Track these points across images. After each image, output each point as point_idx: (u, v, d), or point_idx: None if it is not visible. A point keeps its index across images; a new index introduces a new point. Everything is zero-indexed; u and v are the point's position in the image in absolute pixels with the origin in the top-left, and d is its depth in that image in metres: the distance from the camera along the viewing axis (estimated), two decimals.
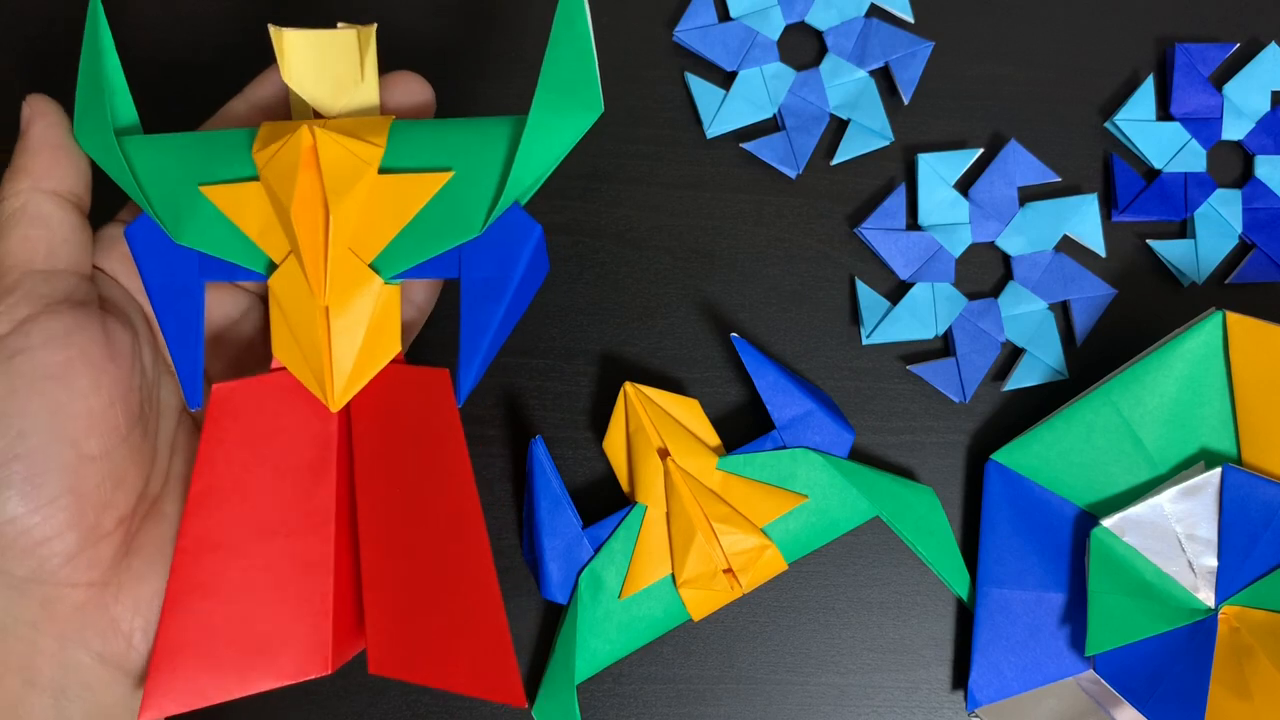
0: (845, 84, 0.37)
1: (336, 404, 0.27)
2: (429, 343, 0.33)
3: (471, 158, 0.26)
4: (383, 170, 0.26)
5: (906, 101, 0.37)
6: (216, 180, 0.26)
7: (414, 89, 0.28)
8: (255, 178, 0.26)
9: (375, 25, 0.27)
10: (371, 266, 0.26)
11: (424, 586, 0.26)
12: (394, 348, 0.27)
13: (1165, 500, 0.31)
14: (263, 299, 0.30)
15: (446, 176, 0.26)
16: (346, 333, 0.26)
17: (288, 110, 0.28)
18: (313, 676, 0.26)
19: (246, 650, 0.26)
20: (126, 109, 0.27)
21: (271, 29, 0.26)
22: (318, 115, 0.28)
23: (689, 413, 0.33)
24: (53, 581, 0.24)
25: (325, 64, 0.26)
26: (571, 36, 0.24)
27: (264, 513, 0.27)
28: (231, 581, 0.26)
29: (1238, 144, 0.37)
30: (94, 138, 0.26)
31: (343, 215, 0.25)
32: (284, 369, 0.27)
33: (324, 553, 0.27)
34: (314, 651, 0.26)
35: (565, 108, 0.25)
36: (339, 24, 0.26)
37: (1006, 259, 0.36)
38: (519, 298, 0.27)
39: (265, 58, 0.29)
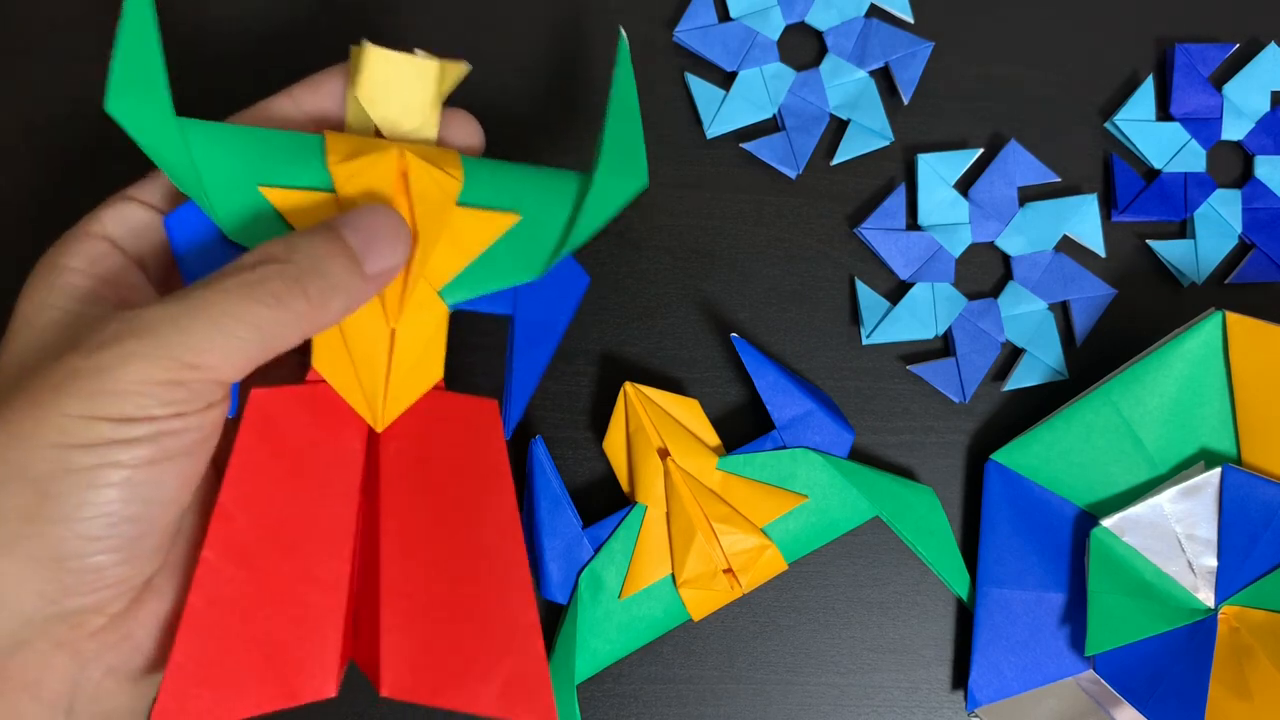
0: (845, 84, 0.37)
1: (384, 424, 0.27)
2: None
3: (538, 206, 0.27)
4: (458, 204, 0.27)
5: (906, 101, 0.37)
6: (281, 184, 0.26)
7: (469, 129, 0.29)
8: (325, 188, 0.26)
9: (466, 67, 0.27)
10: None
11: (454, 610, 0.26)
12: (437, 373, 0.28)
13: (1165, 500, 0.31)
14: None
15: (515, 219, 0.27)
16: (406, 356, 0.27)
17: (341, 122, 0.28)
18: (319, 699, 0.26)
19: (256, 669, 0.25)
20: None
21: (364, 45, 0.26)
22: (378, 134, 0.28)
23: (689, 413, 0.33)
24: (94, 610, 0.24)
25: (400, 88, 0.27)
26: (627, 118, 0.27)
27: (288, 527, 0.26)
28: (250, 597, 0.25)
29: (1237, 144, 0.37)
30: (143, 111, 0.24)
31: (428, 244, 0.26)
32: (321, 382, 0.27)
33: (340, 573, 0.26)
34: (322, 673, 0.26)
35: (620, 177, 0.27)
36: (416, 50, 0.27)
37: (1006, 259, 0.36)
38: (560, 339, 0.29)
39: (287, 59, 0.28)
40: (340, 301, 0.24)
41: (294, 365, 0.28)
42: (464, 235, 0.27)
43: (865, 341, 0.35)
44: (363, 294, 0.25)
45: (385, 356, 0.26)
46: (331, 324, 0.25)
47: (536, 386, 0.29)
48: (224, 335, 0.22)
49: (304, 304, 0.23)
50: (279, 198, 0.26)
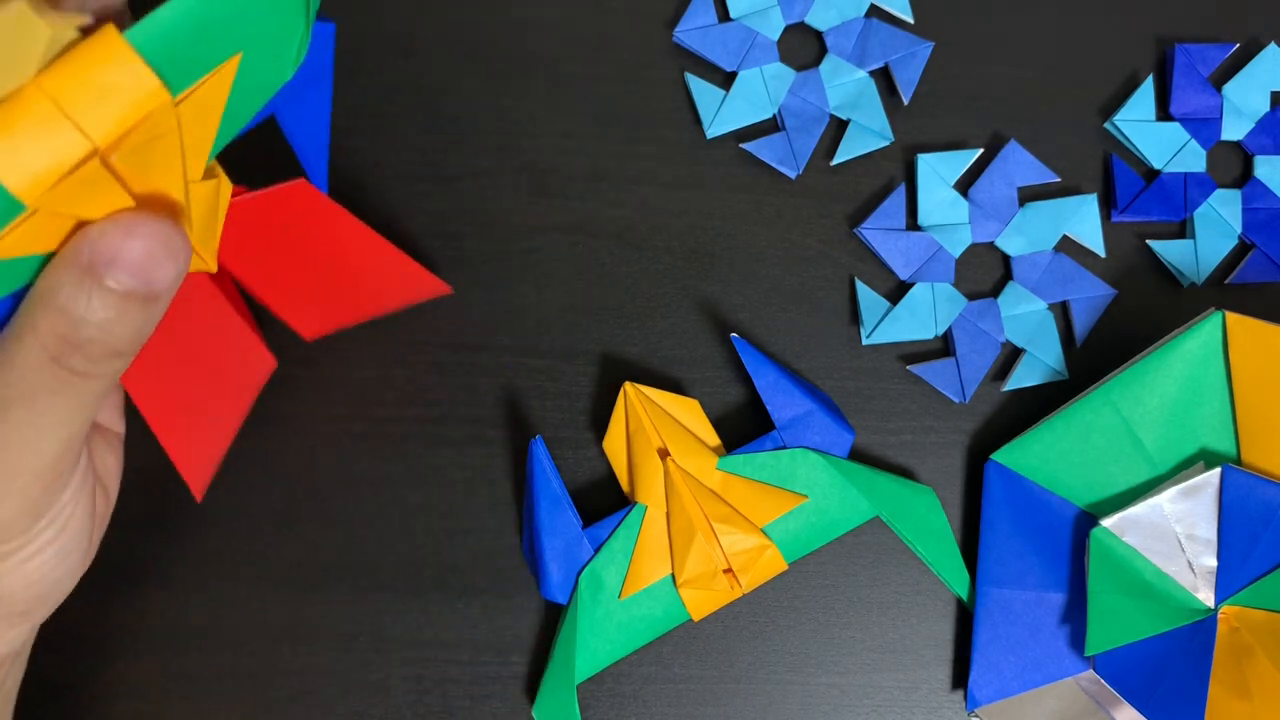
0: (845, 84, 0.37)
1: (214, 263, 0.25)
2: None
3: (255, 19, 0.22)
4: (175, 102, 0.20)
5: (906, 102, 0.37)
6: None
7: None
8: (15, 208, 0.19)
9: None
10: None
11: (326, 274, 0.30)
12: (226, 190, 0.25)
13: (1165, 500, 0.31)
14: None
15: (237, 60, 0.22)
16: (205, 234, 0.24)
17: None
18: (269, 375, 0.32)
19: (226, 400, 0.31)
20: None
21: None
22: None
23: (689, 413, 0.33)
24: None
25: None
26: None
27: (187, 349, 0.28)
28: (195, 393, 0.29)
29: (1237, 144, 0.37)
30: None
31: (173, 171, 0.21)
32: None
33: (231, 319, 0.29)
34: (262, 363, 0.32)
35: None
36: None
37: (1006, 259, 0.36)
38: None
39: None
40: (136, 342, 0.21)
41: None
42: (199, 116, 0.22)
43: (865, 341, 0.35)
44: (157, 315, 0.21)
45: (188, 234, 0.23)
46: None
47: (329, 140, 0.29)
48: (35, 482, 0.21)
49: (101, 384, 0.20)
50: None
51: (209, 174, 0.24)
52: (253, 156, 0.28)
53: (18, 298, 0.21)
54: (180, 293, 0.25)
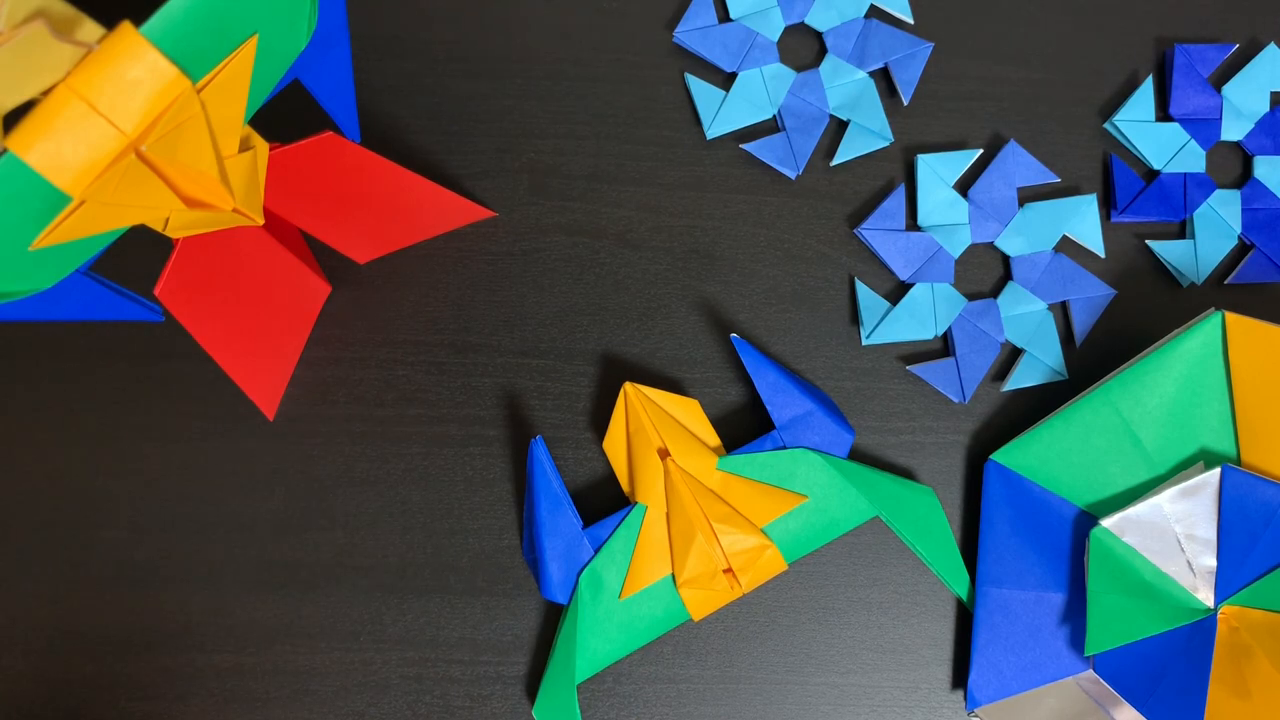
0: (845, 85, 0.37)
1: (261, 217, 0.26)
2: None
3: (262, 4, 0.23)
4: (197, 85, 0.22)
5: (906, 102, 0.37)
6: (36, 232, 0.22)
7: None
8: (66, 200, 0.22)
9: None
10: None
11: (367, 209, 0.32)
12: (263, 147, 0.26)
13: (1164, 500, 0.31)
14: None
15: (255, 41, 0.23)
16: (249, 196, 0.25)
17: None
18: (324, 299, 0.34)
19: (286, 328, 0.33)
20: None
21: None
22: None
23: (689, 413, 0.33)
24: None
25: (11, 68, 0.20)
26: None
27: (245, 289, 0.30)
28: (257, 327, 0.31)
29: (1237, 144, 0.37)
30: None
31: (205, 157, 0.23)
32: (190, 236, 0.26)
33: (283, 258, 0.31)
34: (315, 293, 0.34)
35: None
36: None
37: (1006, 259, 0.36)
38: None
39: None
40: None
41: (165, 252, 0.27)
42: (225, 98, 0.23)
43: (865, 342, 0.35)
44: None
45: (230, 202, 0.24)
46: None
47: (354, 93, 0.31)
48: None
49: None
50: (56, 238, 0.22)
51: (245, 145, 0.25)
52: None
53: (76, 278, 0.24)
54: (233, 238, 0.28)
